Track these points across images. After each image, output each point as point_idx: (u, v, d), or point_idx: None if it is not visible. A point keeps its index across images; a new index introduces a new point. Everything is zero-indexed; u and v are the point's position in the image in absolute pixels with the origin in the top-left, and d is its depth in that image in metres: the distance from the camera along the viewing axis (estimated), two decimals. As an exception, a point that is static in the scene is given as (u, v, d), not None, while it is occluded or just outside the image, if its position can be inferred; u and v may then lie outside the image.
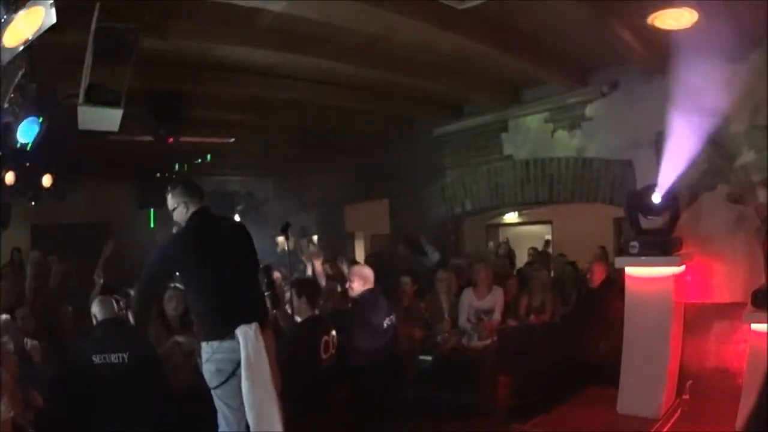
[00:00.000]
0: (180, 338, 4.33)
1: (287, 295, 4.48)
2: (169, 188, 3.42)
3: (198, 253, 3.26)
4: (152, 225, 10.56)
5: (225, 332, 3.18)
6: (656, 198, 4.52)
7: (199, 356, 3.44)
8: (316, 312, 4.33)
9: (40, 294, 5.39)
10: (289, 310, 4.36)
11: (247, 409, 3.14)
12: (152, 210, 10.41)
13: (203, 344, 3.25)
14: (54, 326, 5.02)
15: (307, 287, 4.48)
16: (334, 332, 4.19)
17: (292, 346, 3.96)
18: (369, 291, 4.58)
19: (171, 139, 5.94)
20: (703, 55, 4.67)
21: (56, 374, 4.10)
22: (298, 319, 4.32)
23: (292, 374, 3.51)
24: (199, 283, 3.28)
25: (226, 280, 3.26)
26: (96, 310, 4.02)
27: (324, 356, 4.06)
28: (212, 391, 3.25)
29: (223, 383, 3.20)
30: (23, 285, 5.54)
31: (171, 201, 3.39)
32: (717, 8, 3.76)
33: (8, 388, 3.21)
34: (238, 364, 3.15)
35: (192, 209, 3.36)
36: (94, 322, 4.02)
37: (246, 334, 3.13)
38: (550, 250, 10.19)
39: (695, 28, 3.97)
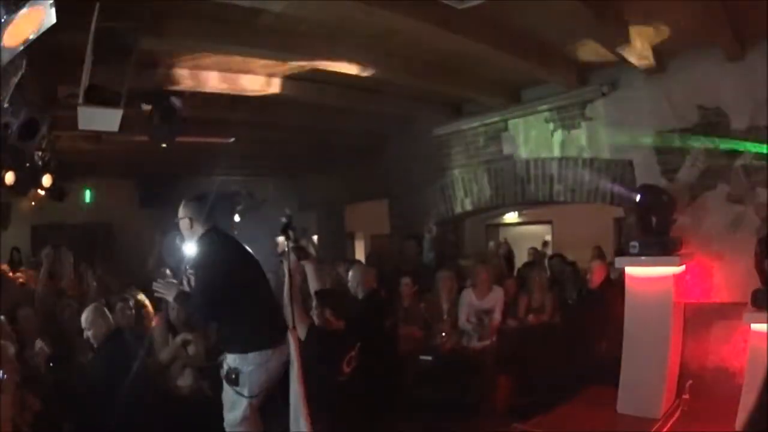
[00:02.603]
0: (187, 337, 4.33)
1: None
2: (184, 200, 3.54)
3: (234, 269, 3.38)
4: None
5: (278, 339, 3.33)
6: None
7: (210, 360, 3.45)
8: (342, 324, 4.27)
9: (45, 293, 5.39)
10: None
11: (292, 408, 3.27)
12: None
13: (254, 354, 3.27)
14: (55, 326, 5.01)
15: (330, 298, 4.40)
16: (358, 345, 4.15)
17: (315, 358, 3.94)
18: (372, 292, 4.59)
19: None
20: (703, 55, 4.69)
21: (61, 381, 4.11)
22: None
23: (311, 383, 3.52)
24: (245, 297, 3.34)
25: (264, 290, 3.46)
26: (89, 321, 4.01)
27: (347, 369, 4.04)
28: (241, 399, 3.26)
29: (262, 392, 3.28)
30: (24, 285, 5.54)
31: (181, 211, 3.50)
32: (717, 8, 3.76)
33: (9, 390, 3.21)
34: (280, 370, 3.33)
35: (198, 228, 3.45)
36: (87, 330, 4.01)
37: (292, 338, 3.33)
38: (548, 250, 10.19)
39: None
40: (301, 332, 3.90)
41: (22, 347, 4.14)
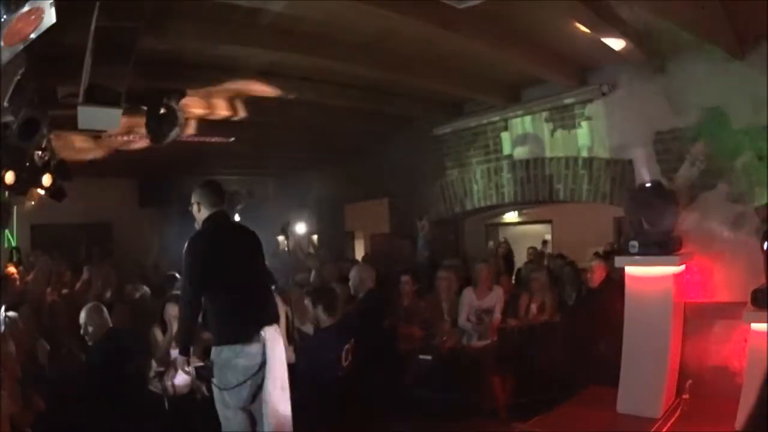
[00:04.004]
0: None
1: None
2: (196, 186, 3.56)
3: (216, 257, 3.34)
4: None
5: (251, 335, 3.25)
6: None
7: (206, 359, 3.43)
8: (335, 319, 4.31)
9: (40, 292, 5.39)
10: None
11: (267, 408, 3.21)
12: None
13: (223, 347, 3.25)
14: (53, 325, 5.01)
15: (323, 295, 4.47)
16: (353, 340, 4.20)
17: (316, 354, 3.96)
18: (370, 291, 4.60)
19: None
20: (703, 55, 4.69)
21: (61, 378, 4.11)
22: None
23: (312, 380, 3.52)
24: (220, 287, 3.31)
25: (246, 282, 3.37)
26: (86, 320, 4.01)
27: (344, 364, 4.08)
28: (221, 392, 3.25)
29: (237, 386, 3.23)
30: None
31: (192, 197, 3.53)
32: (717, 8, 3.76)
33: (8, 387, 3.21)
34: (258, 368, 3.24)
35: (204, 212, 3.47)
36: (84, 328, 4.02)
37: (271, 336, 3.26)
38: (548, 249, 10.20)
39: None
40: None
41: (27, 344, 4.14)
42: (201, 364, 3.35)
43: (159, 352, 4.36)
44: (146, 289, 5.77)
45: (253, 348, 3.25)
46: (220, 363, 3.25)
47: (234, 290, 3.32)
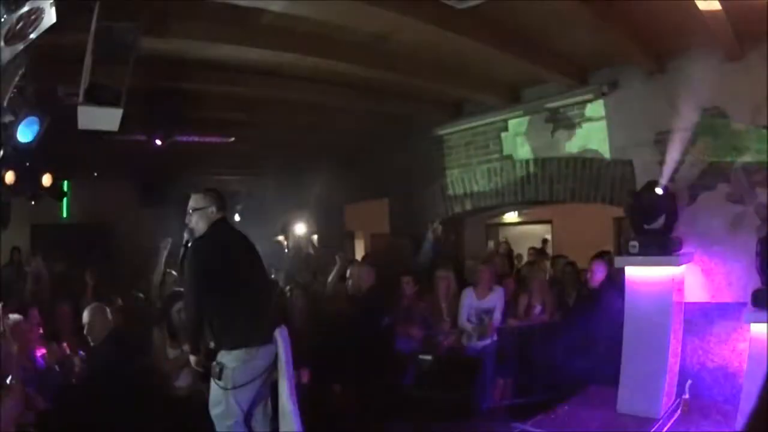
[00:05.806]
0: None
1: None
2: (203, 190, 3.56)
3: (231, 260, 3.38)
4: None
5: (266, 337, 3.32)
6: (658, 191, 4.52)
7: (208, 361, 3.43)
8: None
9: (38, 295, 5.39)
10: None
11: (282, 404, 3.31)
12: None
13: (238, 351, 3.26)
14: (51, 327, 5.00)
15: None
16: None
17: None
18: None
19: (161, 142, 5.91)
20: (703, 55, 4.69)
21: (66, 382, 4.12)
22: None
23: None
24: (233, 290, 3.33)
25: (257, 286, 3.45)
26: (89, 320, 4.01)
27: None
28: (228, 392, 3.26)
29: (245, 384, 3.26)
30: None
31: (201, 201, 3.48)
32: (716, 8, 3.75)
33: (14, 389, 3.22)
34: (266, 368, 3.31)
35: (214, 217, 3.47)
36: (88, 329, 4.02)
37: (282, 337, 3.34)
38: (548, 249, 10.21)
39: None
40: None
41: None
42: (215, 361, 3.33)
43: (162, 352, 4.36)
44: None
45: (268, 348, 3.32)
46: (234, 366, 3.26)
47: (254, 294, 3.39)
